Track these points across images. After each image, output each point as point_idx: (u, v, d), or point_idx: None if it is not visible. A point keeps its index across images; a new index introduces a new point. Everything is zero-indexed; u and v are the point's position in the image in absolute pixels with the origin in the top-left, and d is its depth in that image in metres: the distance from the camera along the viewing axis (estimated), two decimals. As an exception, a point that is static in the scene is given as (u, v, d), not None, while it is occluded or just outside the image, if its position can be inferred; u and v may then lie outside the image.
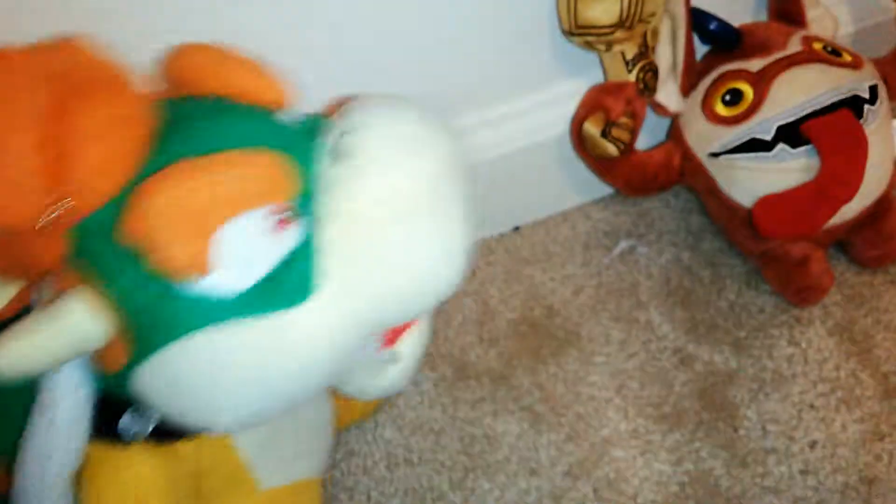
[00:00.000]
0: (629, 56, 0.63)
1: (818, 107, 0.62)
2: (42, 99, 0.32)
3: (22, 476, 0.38)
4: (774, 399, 0.63)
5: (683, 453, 0.61)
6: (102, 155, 0.32)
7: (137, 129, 0.34)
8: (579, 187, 0.76)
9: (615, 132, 0.63)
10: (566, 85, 0.70)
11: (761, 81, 0.64)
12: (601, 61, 0.65)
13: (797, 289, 0.66)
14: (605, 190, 0.77)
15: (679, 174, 0.69)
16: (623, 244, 0.74)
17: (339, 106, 0.39)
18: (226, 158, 0.33)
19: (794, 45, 0.66)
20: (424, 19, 0.61)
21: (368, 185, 0.35)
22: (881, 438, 0.61)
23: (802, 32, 0.68)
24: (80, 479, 0.39)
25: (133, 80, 0.36)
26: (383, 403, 0.66)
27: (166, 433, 0.40)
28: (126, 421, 0.39)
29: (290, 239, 0.34)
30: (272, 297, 0.34)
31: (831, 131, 0.60)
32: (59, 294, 0.34)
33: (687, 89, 0.69)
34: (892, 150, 0.66)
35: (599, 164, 0.67)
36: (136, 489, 0.39)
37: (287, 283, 0.34)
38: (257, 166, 0.33)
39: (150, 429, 0.40)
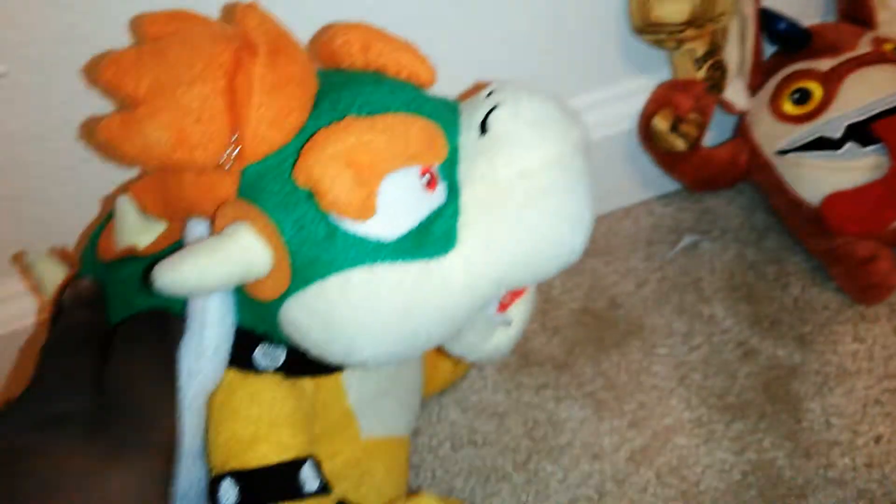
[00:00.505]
0: (699, 54, 0.65)
1: (888, 107, 0.63)
2: (225, 55, 0.37)
3: None
4: (838, 393, 0.64)
5: (746, 443, 0.62)
6: (276, 107, 0.37)
7: (306, 88, 0.39)
8: (643, 183, 0.78)
9: (683, 128, 0.65)
10: (634, 82, 0.71)
11: (830, 81, 0.65)
12: (670, 59, 0.67)
13: (863, 287, 0.66)
14: (668, 186, 0.78)
15: (745, 171, 0.70)
16: (687, 239, 0.75)
17: (474, 91, 0.44)
18: (391, 119, 0.37)
19: (864, 46, 0.67)
20: (497, 14, 0.63)
21: (513, 158, 0.39)
22: (947, 435, 0.61)
23: (872, 34, 0.69)
24: (212, 401, 0.42)
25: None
26: (458, 381, 0.68)
27: (293, 369, 0.43)
28: (259, 352, 0.43)
29: (436, 197, 0.39)
30: (420, 246, 0.38)
31: (902, 130, 0.61)
32: (224, 228, 0.38)
33: (755, 88, 0.70)
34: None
35: (666, 159, 0.68)
36: (269, 411, 0.42)
37: (433, 235, 0.38)
38: (417, 129, 0.38)
39: (280, 363, 0.43)
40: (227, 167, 0.38)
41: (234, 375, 0.42)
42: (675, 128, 0.65)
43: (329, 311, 0.38)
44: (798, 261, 0.72)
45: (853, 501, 0.59)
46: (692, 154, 0.67)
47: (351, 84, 0.40)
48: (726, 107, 0.69)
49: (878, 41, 0.67)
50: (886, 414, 0.63)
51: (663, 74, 0.70)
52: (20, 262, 0.63)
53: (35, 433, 0.35)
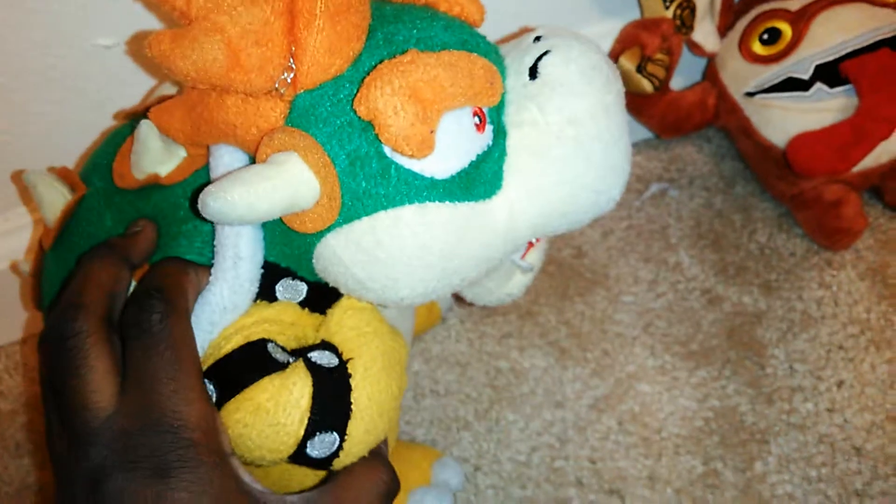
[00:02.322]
0: (666, -7, 0.63)
1: (858, 46, 0.61)
2: None
3: (193, 325, 0.39)
4: (803, 339, 0.63)
5: (709, 390, 0.62)
6: (336, 34, 0.36)
7: (364, 17, 0.37)
8: (611, 131, 0.76)
9: (650, 68, 0.63)
10: (604, 25, 0.69)
11: (800, 20, 0.63)
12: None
13: (829, 231, 0.65)
14: (637, 135, 0.77)
15: (713, 114, 0.69)
16: (654, 187, 0.73)
17: (517, 35, 0.43)
18: (455, 56, 0.36)
19: (835, -15, 0.65)
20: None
21: (564, 105, 0.38)
22: (910, 379, 0.61)
23: (844, -27, 0.67)
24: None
25: None
26: (432, 327, 0.67)
27: (311, 305, 0.42)
28: (282, 287, 0.42)
29: (485, 139, 0.38)
30: (469, 188, 0.37)
31: (871, 69, 0.59)
32: (271, 155, 0.36)
33: (724, 29, 0.68)
34: (932, 93, 0.65)
35: (633, 101, 0.67)
36: (261, 315, 0.40)
37: (481, 178, 0.38)
38: (479, 68, 0.36)
39: (300, 298, 0.42)
40: (279, 92, 0.36)
41: (257, 305, 0.41)
42: (641, 68, 0.63)
43: (375, 248, 0.37)
44: (766, 207, 0.71)
45: (815, 446, 0.58)
46: (659, 97, 0.66)
47: (404, 17, 0.39)
48: (695, 49, 0.67)
49: (850, -19, 0.66)
50: (850, 359, 0.62)
51: (634, 17, 0.68)
52: (20, 182, 0.60)
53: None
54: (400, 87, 0.34)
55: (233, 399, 0.38)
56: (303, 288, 0.42)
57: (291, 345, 0.41)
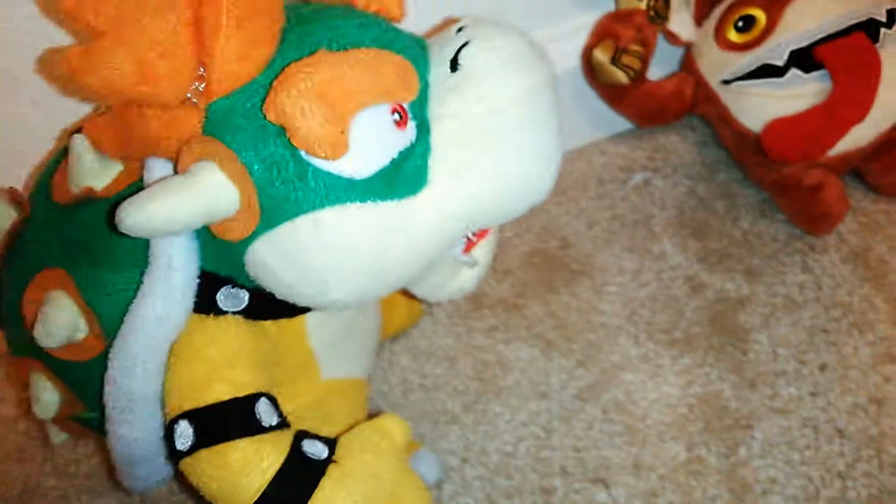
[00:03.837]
0: (640, -16, 0.63)
1: (832, 31, 0.61)
2: None
3: (130, 336, 0.40)
4: (785, 324, 0.64)
5: (693, 377, 0.62)
6: (244, 40, 0.36)
7: (274, 20, 0.37)
8: (595, 123, 0.76)
9: (625, 59, 0.64)
10: (580, 18, 0.70)
11: (774, 6, 0.63)
12: (613, -10, 0.65)
13: (811, 216, 0.66)
14: (620, 126, 0.77)
15: (691, 104, 0.69)
16: (638, 177, 0.74)
17: (443, 27, 0.43)
18: (364, 53, 0.36)
19: (809, -29, 0.65)
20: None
21: (485, 94, 0.38)
22: (892, 361, 0.61)
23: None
24: (175, 342, 0.42)
25: None
26: (415, 323, 0.67)
27: (256, 312, 0.43)
28: (222, 295, 0.42)
29: (407, 135, 0.38)
30: (391, 186, 0.37)
31: (844, 53, 0.60)
32: (189, 166, 0.37)
33: (700, 18, 0.68)
34: (910, 74, 0.65)
35: (610, 93, 0.67)
36: (227, 352, 0.41)
37: (404, 175, 0.38)
38: (390, 64, 0.36)
39: (243, 306, 0.42)
40: (192, 102, 0.37)
41: (195, 318, 0.42)
42: (616, 60, 0.63)
43: (300, 252, 0.37)
44: (748, 194, 0.71)
45: (798, 429, 0.59)
46: (636, 87, 0.66)
47: (319, 17, 0.39)
48: (671, 38, 0.68)
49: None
50: (832, 343, 0.62)
51: (609, 10, 0.68)
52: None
53: None
54: (306, 89, 0.34)
55: (207, 448, 0.39)
56: (244, 296, 0.42)
57: (258, 373, 0.42)
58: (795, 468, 0.57)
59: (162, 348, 0.41)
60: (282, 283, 0.39)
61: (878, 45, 0.61)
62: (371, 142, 0.37)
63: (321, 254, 0.37)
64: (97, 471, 0.63)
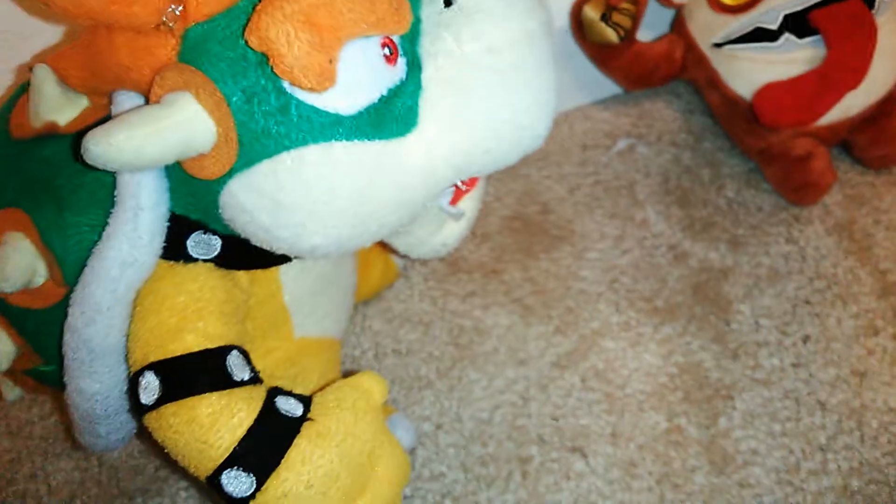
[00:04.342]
0: (633, -59, 0.61)
1: (827, -5, 0.60)
2: None
3: (92, 282, 0.37)
4: (769, 294, 0.62)
5: (674, 346, 0.61)
6: None
7: None
8: (580, 87, 0.74)
9: (616, 17, 0.61)
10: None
11: (769, -32, 0.62)
12: (604, -54, 0.63)
13: (796, 186, 0.65)
14: (606, 91, 0.75)
15: (681, 67, 0.67)
16: (622, 143, 0.72)
17: None
18: None
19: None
20: None
21: (481, 33, 0.36)
22: (875, 333, 0.60)
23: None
24: (141, 289, 0.39)
25: None
26: (383, 290, 0.65)
27: (228, 260, 0.40)
28: (192, 241, 0.39)
29: (397, 72, 0.36)
30: (379, 125, 0.35)
31: (840, 18, 0.58)
32: (163, 96, 0.34)
33: (693, -21, 0.66)
34: (902, 45, 0.64)
35: (599, 53, 0.65)
36: (197, 301, 0.38)
37: (393, 114, 0.35)
38: None
39: (214, 254, 0.40)
40: (168, 27, 0.34)
41: (163, 264, 0.39)
42: (606, 17, 0.61)
43: (279, 192, 0.35)
44: (734, 163, 0.70)
45: (780, 401, 0.58)
46: (625, 48, 0.64)
47: None
48: (664, 0, 0.66)
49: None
50: (816, 314, 0.61)
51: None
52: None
53: None
54: (292, 13, 0.31)
55: (175, 402, 0.36)
56: (216, 243, 0.40)
57: (230, 324, 0.39)
58: (776, 440, 0.56)
59: (127, 295, 0.38)
60: (258, 227, 0.36)
61: (873, 11, 0.59)
62: (359, 75, 0.34)
63: (301, 194, 0.35)
64: (52, 432, 0.60)
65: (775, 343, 0.60)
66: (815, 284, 0.63)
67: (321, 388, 0.42)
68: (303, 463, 0.37)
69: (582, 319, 0.63)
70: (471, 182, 0.43)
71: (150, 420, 0.37)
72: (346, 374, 0.60)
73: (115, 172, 0.37)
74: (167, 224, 0.38)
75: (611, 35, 0.62)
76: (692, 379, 0.59)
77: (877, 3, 0.60)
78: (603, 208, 0.68)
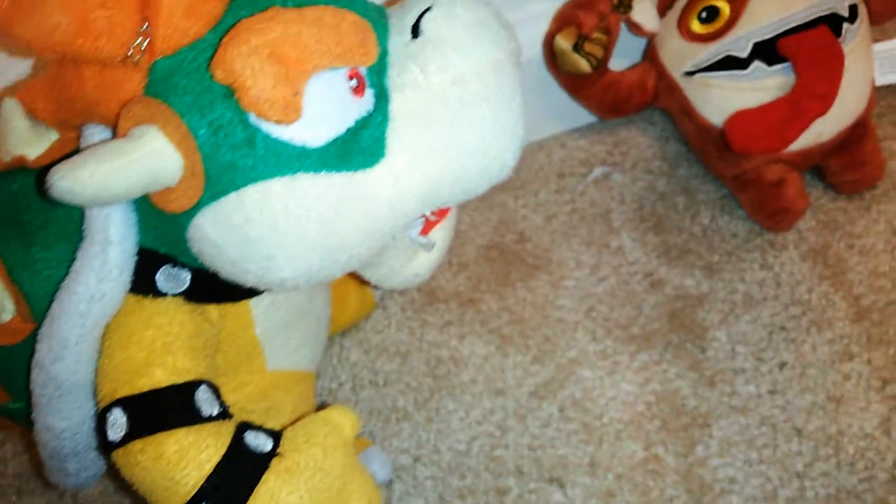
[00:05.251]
0: (604, -29, 0.62)
1: (796, 23, 0.60)
2: None
3: (60, 317, 0.37)
4: (745, 321, 0.62)
5: (651, 373, 0.60)
6: None
7: None
8: (555, 116, 0.75)
9: (588, 47, 0.62)
10: (541, 5, 0.68)
11: (739, -2, 0.62)
12: (576, -23, 0.64)
13: (771, 212, 0.65)
14: (581, 119, 0.76)
15: (653, 95, 0.68)
16: (598, 171, 0.72)
17: None
18: (321, 11, 0.34)
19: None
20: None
21: (448, 64, 0.36)
22: (850, 358, 0.60)
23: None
24: (109, 324, 0.39)
25: None
26: (360, 321, 0.65)
27: (198, 294, 0.40)
28: (162, 275, 0.39)
29: (365, 104, 0.36)
30: (346, 157, 0.35)
31: (808, 46, 0.59)
32: (130, 130, 0.34)
33: (664, 9, 0.67)
34: (869, 72, 0.65)
35: (572, 82, 0.65)
36: (165, 335, 0.38)
37: (360, 146, 0.35)
38: (349, 24, 0.34)
39: (184, 288, 0.39)
40: (134, 60, 0.34)
41: (131, 299, 0.39)
42: (578, 47, 0.62)
43: (246, 225, 0.35)
44: (709, 190, 0.70)
45: (756, 428, 0.58)
46: (598, 77, 0.65)
47: None
48: (635, 29, 0.66)
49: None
50: (791, 340, 0.61)
51: (571, -3, 0.66)
52: None
53: None
54: (258, 46, 0.31)
55: (142, 438, 0.36)
56: (186, 276, 0.39)
57: (199, 359, 0.39)
58: (754, 467, 0.56)
59: (95, 330, 0.38)
60: (226, 260, 0.36)
61: (840, 39, 0.60)
62: (325, 108, 0.34)
63: (269, 227, 0.35)
64: (26, 469, 0.59)
65: (751, 370, 0.60)
66: (790, 311, 0.63)
67: (294, 422, 0.41)
68: (271, 499, 0.36)
69: (559, 348, 0.62)
70: (441, 212, 0.43)
71: (118, 457, 0.37)
72: (322, 407, 0.60)
73: (82, 207, 0.36)
74: (136, 258, 0.38)
75: (583, 65, 0.62)
76: (669, 407, 0.59)
77: (844, 31, 0.61)
78: (579, 236, 0.69)
